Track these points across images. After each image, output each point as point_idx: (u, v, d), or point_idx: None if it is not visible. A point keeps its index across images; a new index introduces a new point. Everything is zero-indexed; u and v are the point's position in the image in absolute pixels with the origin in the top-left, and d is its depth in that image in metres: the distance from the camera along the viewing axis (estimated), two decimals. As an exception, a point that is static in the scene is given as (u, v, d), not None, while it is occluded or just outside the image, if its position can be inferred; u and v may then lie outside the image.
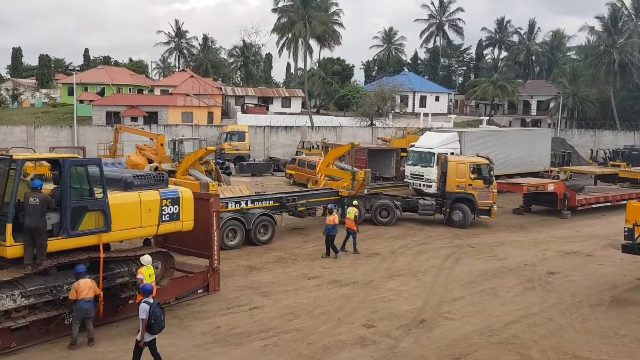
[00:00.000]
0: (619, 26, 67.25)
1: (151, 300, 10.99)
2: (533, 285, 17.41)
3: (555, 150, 44.23)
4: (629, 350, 12.70)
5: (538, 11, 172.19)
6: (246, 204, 22.37)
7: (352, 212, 20.68)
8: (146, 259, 12.90)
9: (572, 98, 68.92)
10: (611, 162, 42.82)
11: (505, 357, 12.19)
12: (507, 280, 17.79)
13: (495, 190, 26.13)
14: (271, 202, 23.25)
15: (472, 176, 25.82)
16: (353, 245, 20.70)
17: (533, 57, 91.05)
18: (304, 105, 71.02)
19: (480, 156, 27.06)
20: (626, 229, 16.70)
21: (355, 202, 22.35)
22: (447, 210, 25.96)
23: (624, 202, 24.71)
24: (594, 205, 30.01)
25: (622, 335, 13.50)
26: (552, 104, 72.56)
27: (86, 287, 11.87)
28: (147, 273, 12.70)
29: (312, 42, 74.00)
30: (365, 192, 25.89)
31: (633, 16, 69.34)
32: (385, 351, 12.33)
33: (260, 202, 22.92)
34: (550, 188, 28.81)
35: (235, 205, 21.99)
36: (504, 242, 23.34)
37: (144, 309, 10.83)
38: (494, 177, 26.20)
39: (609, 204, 30.61)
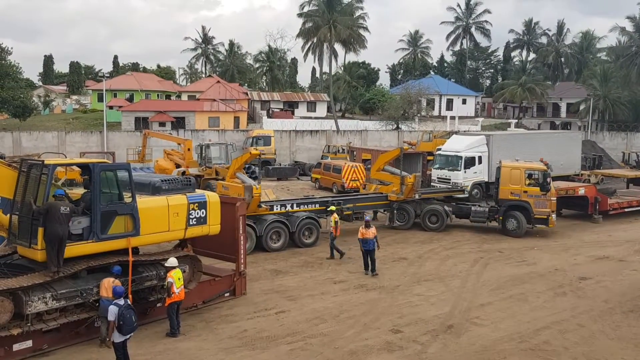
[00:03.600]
0: (651, 26, 65.91)
1: (121, 302, 11.21)
2: (564, 290, 17.08)
3: (586, 153, 43.43)
4: (665, 359, 12.36)
5: (567, 12, 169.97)
6: (291, 207, 22.56)
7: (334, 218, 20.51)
8: (172, 260, 13.07)
9: (603, 100, 67.53)
10: (644, 165, 41.85)
11: (535, 364, 11.98)
12: (537, 286, 17.49)
13: (554, 198, 24.63)
14: (317, 205, 23.30)
15: (527, 182, 24.68)
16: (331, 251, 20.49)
17: (562, 59, 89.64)
18: (329, 109, 71.07)
19: (542, 162, 25.70)
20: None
21: (332, 207, 21.99)
22: (501, 218, 24.94)
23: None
24: (626, 210, 29.43)
25: (657, 343, 13.13)
26: (582, 106, 71.28)
27: (104, 286, 12.06)
28: (176, 276, 12.87)
29: (337, 46, 74.19)
30: (416, 196, 25.43)
31: (665, 16, 67.84)
32: (413, 357, 12.22)
33: (305, 206, 23.06)
34: (581, 192, 28.28)
35: (280, 208, 22.25)
36: (533, 246, 22.96)
37: (112, 312, 11.08)
38: (551, 184, 24.79)
39: (642, 208, 29.96)
